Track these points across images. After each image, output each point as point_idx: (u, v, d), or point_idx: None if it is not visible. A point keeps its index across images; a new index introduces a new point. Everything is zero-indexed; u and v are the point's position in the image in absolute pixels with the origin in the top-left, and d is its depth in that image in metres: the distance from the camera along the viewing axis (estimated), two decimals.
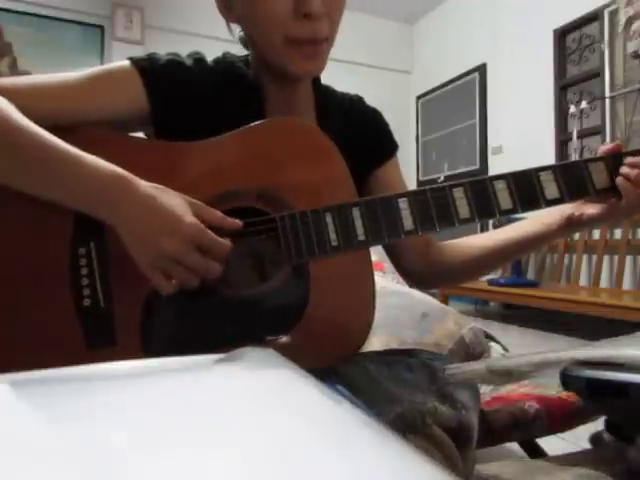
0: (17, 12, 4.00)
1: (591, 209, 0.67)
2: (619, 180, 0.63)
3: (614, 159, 0.65)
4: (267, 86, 0.72)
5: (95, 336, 0.58)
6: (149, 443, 0.19)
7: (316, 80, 0.77)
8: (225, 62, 0.72)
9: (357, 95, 0.83)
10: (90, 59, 4.25)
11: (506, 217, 0.65)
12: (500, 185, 0.62)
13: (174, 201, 0.55)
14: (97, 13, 4.25)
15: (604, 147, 0.66)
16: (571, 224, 0.69)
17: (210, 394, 0.25)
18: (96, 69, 0.65)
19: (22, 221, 0.59)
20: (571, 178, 0.63)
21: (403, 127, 5.21)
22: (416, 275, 0.82)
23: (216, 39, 4.34)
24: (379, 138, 0.81)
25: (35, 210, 0.58)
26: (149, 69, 0.65)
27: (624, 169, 0.64)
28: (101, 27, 4.32)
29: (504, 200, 0.62)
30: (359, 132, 0.78)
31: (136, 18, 4.32)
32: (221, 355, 0.31)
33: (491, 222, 2.75)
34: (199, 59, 0.70)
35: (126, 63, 0.65)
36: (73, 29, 4.22)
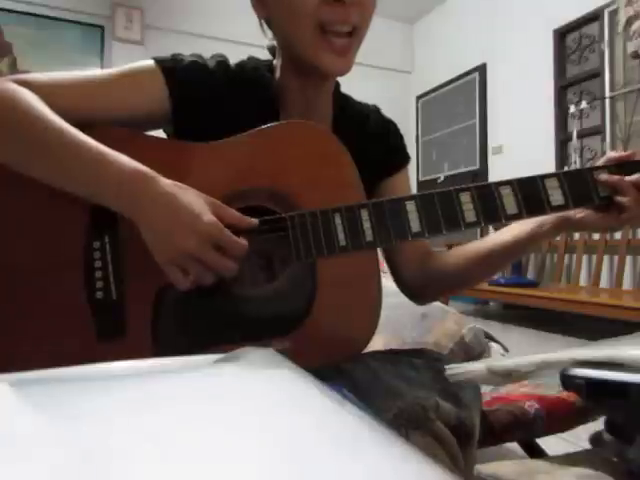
0: (17, 12, 4.00)
1: (591, 214, 0.66)
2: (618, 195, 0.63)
3: (619, 168, 0.64)
4: (290, 90, 0.73)
5: (106, 327, 0.59)
6: (149, 443, 0.19)
7: (337, 87, 0.78)
8: (248, 65, 0.73)
9: (375, 105, 0.84)
10: (90, 59, 4.25)
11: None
12: (506, 190, 0.63)
13: (194, 200, 0.56)
14: (97, 13, 4.25)
15: (613, 154, 0.66)
16: (568, 224, 0.68)
17: (210, 394, 0.25)
18: (121, 68, 0.66)
19: (39, 213, 0.61)
20: (576, 185, 0.63)
21: (403, 127, 5.16)
22: (411, 286, 0.81)
23: (215, 39, 4.35)
24: (392, 149, 0.82)
25: (52, 202, 0.60)
26: (172, 69, 0.66)
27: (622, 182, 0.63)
28: (101, 27, 4.31)
29: (510, 205, 0.63)
30: (373, 142, 0.79)
31: (136, 18, 4.32)
32: (221, 355, 0.31)
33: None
34: (222, 61, 0.71)
35: (150, 63, 0.67)
36: (73, 29, 4.21)
